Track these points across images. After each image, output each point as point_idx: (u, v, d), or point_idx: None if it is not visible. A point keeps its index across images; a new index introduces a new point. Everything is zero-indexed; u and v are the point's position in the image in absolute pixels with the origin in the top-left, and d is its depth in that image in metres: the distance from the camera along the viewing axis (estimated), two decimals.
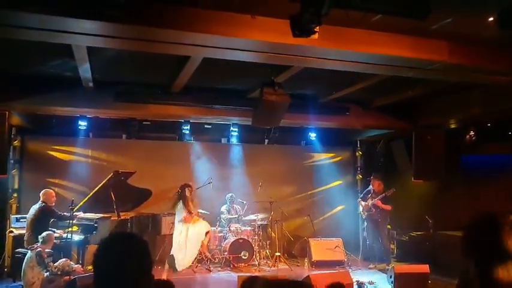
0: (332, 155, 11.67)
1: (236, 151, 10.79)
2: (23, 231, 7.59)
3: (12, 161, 8.79)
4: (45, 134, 9.47)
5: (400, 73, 6.13)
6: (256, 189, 9.92)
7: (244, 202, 9.99)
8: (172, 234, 9.00)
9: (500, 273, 1.98)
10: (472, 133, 8.67)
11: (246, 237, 9.31)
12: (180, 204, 8.60)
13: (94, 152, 9.84)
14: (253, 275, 7.66)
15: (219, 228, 9.55)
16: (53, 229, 7.46)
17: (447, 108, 8.62)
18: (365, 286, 7.31)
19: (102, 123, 9.30)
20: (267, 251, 9.74)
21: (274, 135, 10.22)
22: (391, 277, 7.06)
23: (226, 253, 9.06)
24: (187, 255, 8.58)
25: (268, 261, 9.46)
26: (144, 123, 9.24)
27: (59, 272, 6.58)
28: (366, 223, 9.68)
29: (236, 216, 9.79)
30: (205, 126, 9.82)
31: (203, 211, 9.38)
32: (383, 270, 8.64)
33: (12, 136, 8.66)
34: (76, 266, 7.01)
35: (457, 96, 8.12)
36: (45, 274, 6.54)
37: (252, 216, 9.67)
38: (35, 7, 3.98)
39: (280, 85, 6.75)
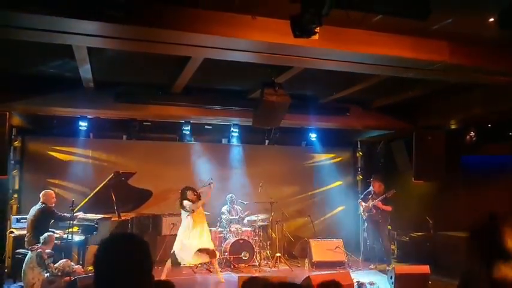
0: (332, 155, 11.67)
1: (236, 152, 10.80)
2: (24, 232, 7.59)
3: (12, 162, 8.79)
4: (45, 135, 9.47)
5: (401, 73, 6.13)
6: (256, 189, 9.91)
7: (245, 203, 9.99)
8: (172, 234, 8.98)
9: (505, 272, 1.99)
10: (472, 133, 8.66)
11: (246, 238, 9.30)
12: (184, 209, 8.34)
13: (94, 152, 9.85)
14: (254, 275, 7.66)
15: (219, 229, 9.55)
16: (53, 230, 7.46)
17: (447, 108, 8.62)
18: (365, 287, 7.29)
19: (102, 123, 9.31)
20: (268, 252, 9.74)
21: (274, 135, 10.21)
22: (391, 278, 7.06)
23: (226, 254, 9.06)
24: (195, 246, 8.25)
25: (269, 262, 9.46)
26: (144, 123, 9.24)
27: (59, 273, 6.58)
28: (366, 224, 9.67)
29: (237, 216, 9.78)
30: (206, 126, 9.82)
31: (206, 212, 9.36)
32: (383, 271, 8.63)
33: (13, 137, 8.66)
34: (76, 266, 7.01)
35: (457, 96, 8.11)
36: (46, 275, 6.54)
37: (253, 217, 9.67)
38: (35, 7, 3.98)
39: (280, 86, 6.75)
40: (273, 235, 9.89)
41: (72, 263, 6.96)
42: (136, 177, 8.95)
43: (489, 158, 9.26)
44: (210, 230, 8.73)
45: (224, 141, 10.85)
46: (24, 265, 6.59)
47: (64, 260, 6.87)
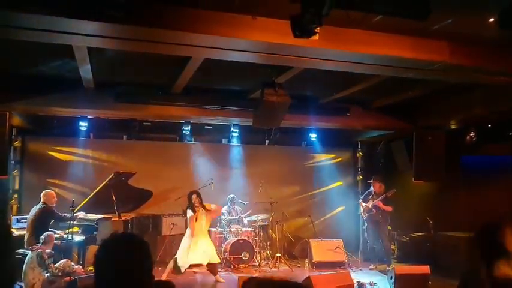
0: (332, 155, 11.67)
1: (236, 152, 10.80)
2: (24, 232, 7.58)
3: (12, 162, 8.80)
4: (45, 135, 9.47)
5: (401, 74, 6.13)
6: (256, 190, 9.91)
7: (245, 203, 9.99)
8: (172, 235, 8.99)
9: (505, 271, 2.01)
10: (472, 134, 8.66)
11: (246, 238, 9.30)
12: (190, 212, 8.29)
13: (95, 152, 9.85)
14: (254, 275, 7.66)
15: (219, 229, 9.55)
16: (54, 230, 7.46)
17: (447, 108, 8.61)
18: (366, 287, 7.30)
19: (102, 123, 9.31)
20: (268, 252, 9.73)
21: (274, 136, 10.21)
22: (391, 278, 7.05)
23: (226, 254, 9.06)
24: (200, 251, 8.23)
25: (269, 262, 9.46)
26: (144, 124, 9.23)
27: (59, 273, 6.58)
28: (366, 224, 9.67)
29: (237, 217, 9.79)
30: (206, 127, 9.81)
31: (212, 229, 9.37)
32: (383, 271, 8.63)
33: (13, 137, 8.66)
34: (77, 266, 7.01)
35: (457, 96, 8.11)
36: (46, 275, 6.53)
37: (253, 217, 9.67)
38: (34, 7, 3.98)
39: (280, 86, 6.75)
40: (273, 235, 9.89)
41: (72, 263, 6.95)
42: (136, 178, 8.95)
43: (489, 158, 9.26)
44: (210, 231, 8.73)
45: (224, 141, 10.85)
46: (24, 265, 6.58)
47: (64, 260, 6.86)
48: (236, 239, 9.20)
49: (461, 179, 9.41)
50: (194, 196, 8.01)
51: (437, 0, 3.89)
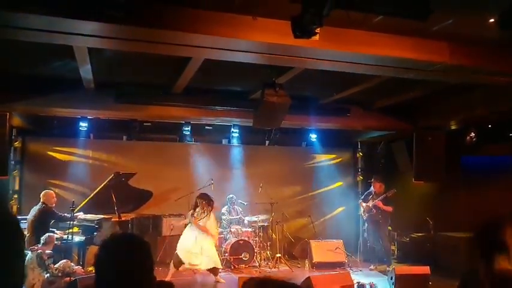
0: (333, 156, 11.66)
1: (237, 152, 10.79)
2: (24, 233, 7.58)
3: (13, 162, 8.80)
4: (46, 135, 9.47)
5: (401, 74, 6.12)
6: (257, 190, 9.91)
7: (245, 203, 9.99)
8: (172, 235, 8.99)
9: (504, 266, 2.02)
10: (472, 134, 8.66)
11: (246, 239, 9.30)
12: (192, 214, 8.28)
13: (95, 153, 9.85)
14: (254, 276, 7.64)
15: (219, 230, 9.54)
16: (54, 230, 7.46)
17: (448, 109, 8.61)
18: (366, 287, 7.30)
19: (102, 124, 9.31)
20: (268, 252, 9.73)
21: (275, 136, 10.20)
22: (391, 278, 7.05)
23: (226, 254, 9.06)
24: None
25: (269, 263, 9.46)
26: (144, 124, 9.23)
27: (59, 274, 6.58)
28: (366, 224, 9.66)
29: (237, 217, 9.78)
30: (206, 127, 9.82)
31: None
32: (384, 272, 8.63)
33: (13, 137, 8.66)
34: (77, 267, 7.01)
35: (457, 97, 8.11)
36: (46, 275, 6.53)
37: (253, 218, 9.67)
38: (34, 7, 3.97)
39: (281, 86, 6.75)
40: (273, 236, 9.88)
41: (72, 264, 6.95)
42: (136, 178, 8.95)
43: (489, 159, 9.26)
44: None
45: (224, 141, 10.85)
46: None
47: (64, 260, 6.86)
48: (236, 239, 9.20)
49: (461, 180, 9.41)
50: (200, 200, 8.02)
51: (438, 0, 3.89)
